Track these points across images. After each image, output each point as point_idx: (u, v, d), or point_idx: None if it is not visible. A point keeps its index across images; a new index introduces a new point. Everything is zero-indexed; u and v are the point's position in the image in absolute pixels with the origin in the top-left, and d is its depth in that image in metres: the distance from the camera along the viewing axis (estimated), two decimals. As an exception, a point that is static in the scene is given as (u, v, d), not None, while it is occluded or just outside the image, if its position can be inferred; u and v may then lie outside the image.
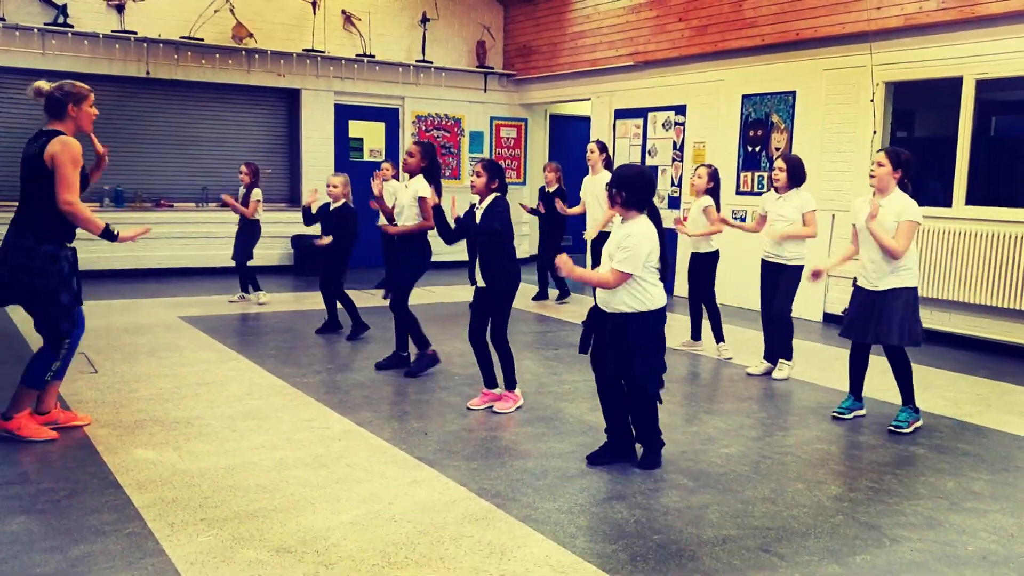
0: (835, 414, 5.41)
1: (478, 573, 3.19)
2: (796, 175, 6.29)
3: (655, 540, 3.52)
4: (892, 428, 5.15)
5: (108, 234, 4.45)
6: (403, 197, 6.29)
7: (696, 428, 5.12)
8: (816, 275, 5.50)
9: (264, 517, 3.63)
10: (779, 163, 6.34)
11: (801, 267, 6.30)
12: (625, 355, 4.22)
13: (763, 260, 6.46)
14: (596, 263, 8.14)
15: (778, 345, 6.44)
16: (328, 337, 7.53)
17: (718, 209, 7.01)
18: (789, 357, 6.44)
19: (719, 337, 7.12)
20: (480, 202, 5.31)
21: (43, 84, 4.39)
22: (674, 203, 10.73)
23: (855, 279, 5.34)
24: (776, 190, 6.38)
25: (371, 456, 4.44)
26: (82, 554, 3.25)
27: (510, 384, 5.43)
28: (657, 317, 4.27)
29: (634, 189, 4.19)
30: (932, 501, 4.06)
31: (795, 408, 5.70)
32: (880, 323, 5.10)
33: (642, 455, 4.42)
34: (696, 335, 7.36)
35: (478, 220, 5.27)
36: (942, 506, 4.00)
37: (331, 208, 7.66)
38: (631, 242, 4.13)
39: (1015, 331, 7.44)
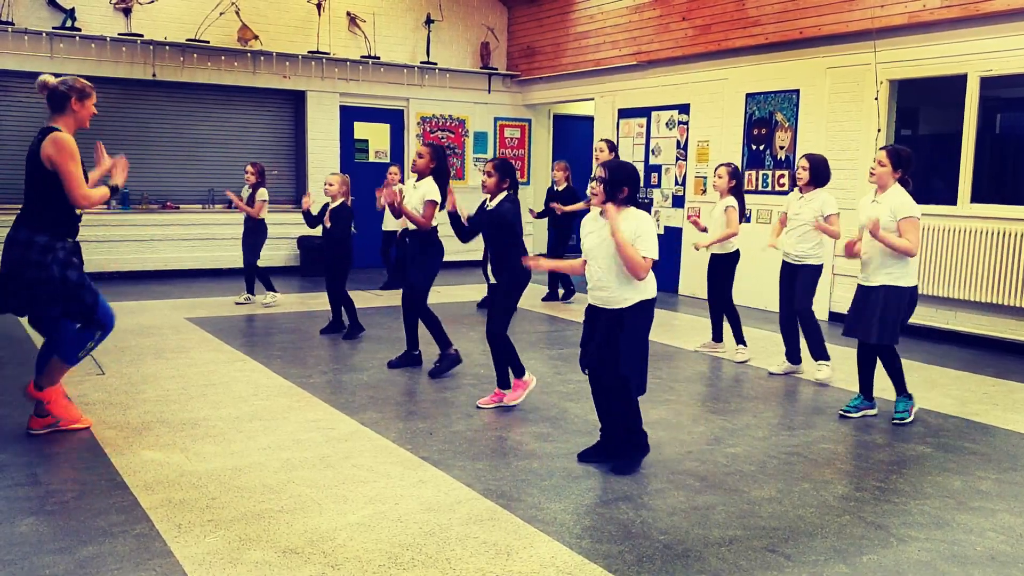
0: (842, 412, 5.39)
1: (484, 574, 3.19)
2: (819, 175, 6.11)
3: (661, 541, 3.53)
4: (896, 422, 5.20)
5: (114, 190, 4.59)
6: (412, 199, 6.22)
7: (702, 428, 5.12)
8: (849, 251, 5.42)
9: (271, 518, 3.65)
10: (802, 162, 6.15)
11: (817, 266, 6.21)
12: (613, 349, 4.16)
13: (783, 262, 6.34)
14: None
15: (812, 347, 6.23)
16: (332, 338, 7.53)
17: (742, 210, 6.83)
18: (826, 357, 6.25)
19: (739, 340, 6.96)
20: (491, 200, 5.33)
21: (48, 78, 4.50)
22: (678, 202, 10.73)
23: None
24: (800, 190, 6.22)
25: (377, 456, 4.45)
26: (90, 555, 3.27)
27: (519, 372, 5.41)
28: (651, 307, 4.24)
29: (633, 184, 4.22)
30: (939, 500, 4.05)
31: (801, 408, 5.69)
32: (863, 319, 5.15)
33: (619, 458, 4.33)
34: (717, 336, 7.20)
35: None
36: (949, 505, 3.99)
37: (330, 207, 7.61)
38: (646, 228, 4.13)
39: (1021, 329, 7.41)
